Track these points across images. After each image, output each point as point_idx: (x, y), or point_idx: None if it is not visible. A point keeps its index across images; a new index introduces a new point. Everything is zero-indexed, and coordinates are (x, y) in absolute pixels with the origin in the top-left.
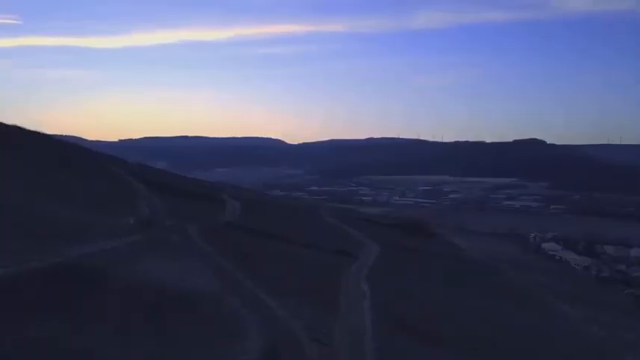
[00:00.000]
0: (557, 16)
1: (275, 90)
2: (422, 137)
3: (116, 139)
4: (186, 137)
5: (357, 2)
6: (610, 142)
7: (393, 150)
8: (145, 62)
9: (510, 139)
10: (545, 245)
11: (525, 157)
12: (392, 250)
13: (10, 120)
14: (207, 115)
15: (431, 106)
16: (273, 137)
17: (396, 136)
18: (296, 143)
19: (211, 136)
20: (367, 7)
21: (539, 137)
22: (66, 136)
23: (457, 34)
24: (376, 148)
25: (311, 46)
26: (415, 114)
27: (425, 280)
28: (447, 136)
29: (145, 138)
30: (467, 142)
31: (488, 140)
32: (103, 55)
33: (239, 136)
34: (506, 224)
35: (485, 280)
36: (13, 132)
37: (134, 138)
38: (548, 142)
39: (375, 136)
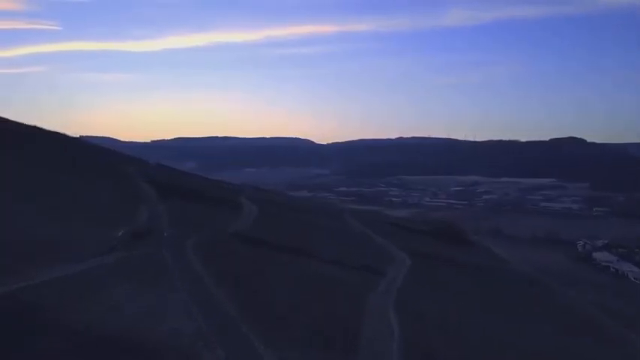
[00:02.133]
0: (593, 10)
1: (304, 90)
2: (453, 136)
3: (149, 140)
4: (215, 138)
5: (385, 1)
6: None
7: (423, 150)
8: (178, 65)
9: (547, 138)
10: (597, 255)
11: (564, 157)
12: (425, 262)
13: (49, 123)
14: (237, 115)
15: (462, 105)
16: (301, 137)
17: (427, 136)
18: (325, 143)
19: (241, 136)
20: (395, 6)
21: (578, 135)
22: (99, 137)
23: (488, 31)
24: (406, 148)
25: (340, 46)
26: (446, 113)
27: (467, 303)
28: (480, 135)
29: (177, 139)
30: (500, 141)
31: (523, 139)
32: (138, 58)
33: (268, 136)
34: (546, 228)
35: (537, 303)
36: (30, 132)
37: (166, 139)
38: (588, 141)
39: (405, 136)
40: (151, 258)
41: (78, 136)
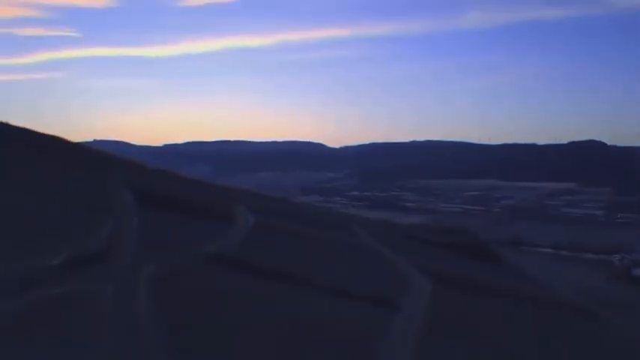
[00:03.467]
0: (614, 12)
1: (316, 93)
2: (467, 139)
3: (161, 144)
4: (228, 141)
5: (402, 4)
6: None
7: (437, 153)
8: (193, 69)
9: (565, 141)
10: (638, 272)
11: (583, 160)
12: (450, 288)
13: (63, 127)
14: (250, 119)
15: (476, 108)
16: (314, 141)
17: (441, 139)
18: (337, 146)
19: (253, 139)
20: (412, 10)
21: (597, 138)
22: (112, 141)
23: (505, 33)
24: (420, 151)
25: (355, 50)
26: (460, 115)
27: (517, 352)
28: (495, 138)
29: (189, 142)
30: (516, 144)
31: (540, 142)
32: (153, 63)
33: (280, 139)
34: (570, 236)
35: (606, 347)
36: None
37: (179, 142)
38: (608, 144)
39: (419, 139)
40: (81, 297)
41: (92, 140)
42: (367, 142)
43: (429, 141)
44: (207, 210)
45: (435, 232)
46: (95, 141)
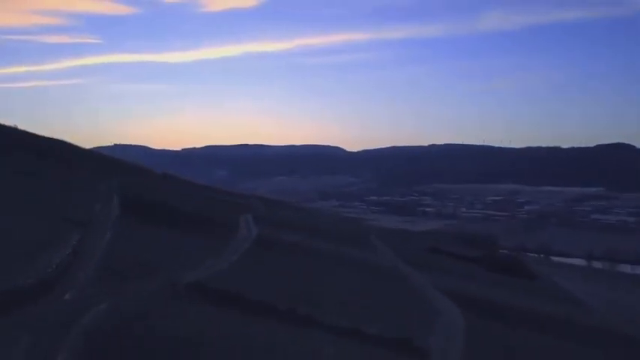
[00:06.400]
0: (638, 11)
1: (335, 98)
2: (487, 143)
3: (179, 148)
4: (246, 145)
5: (419, 8)
6: None
7: (457, 157)
8: (212, 74)
9: (592, 144)
10: None
11: (611, 164)
12: (483, 317)
13: (84, 132)
14: (268, 123)
15: (497, 110)
16: (332, 145)
17: (461, 142)
18: (355, 150)
19: (271, 144)
20: (431, 12)
21: (626, 141)
22: (132, 145)
23: (526, 34)
24: (439, 155)
25: (374, 54)
26: (480, 118)
27: None
28: (517, 141)
29: (207, 147)
30: (540, 147)
31: (564, 145)
32: (173, 69)
33: (298, 144)
34: (602, 245)
35: None
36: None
37: (197, 147)
38: (637, 147)
39: (438, 143)
40: None
41: (112, 144)
42: (386, 146)
43: (449, 145)
44: (207, 221)
45: (458, 243)
46: (115, 145)
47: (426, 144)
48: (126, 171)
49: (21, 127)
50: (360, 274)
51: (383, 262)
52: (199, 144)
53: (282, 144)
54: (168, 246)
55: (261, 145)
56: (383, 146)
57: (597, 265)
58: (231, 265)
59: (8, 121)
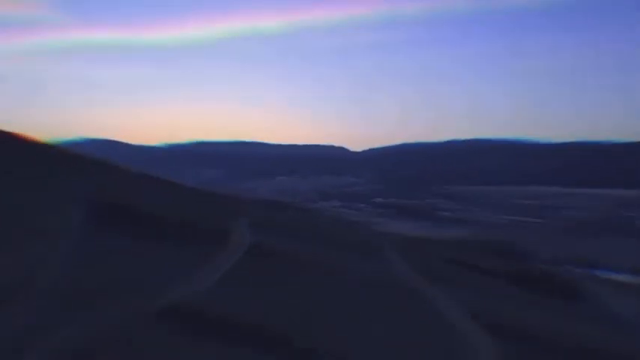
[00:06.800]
0: None
1: (338, 91)
2: (517, 136)
3: (162, 144)
4: (242, 143)
5: None
6: None
7: (479, 154)
8: (198, 58)
9: (639, 139)
10: None
11: None
12: (521, 353)
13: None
14: (268, 122)
15: (530, 99)
16: (335, 144)
17: (483, 137)
18: (360, 150)
19: (270, 142)
20: None
21: None
22: (101, 139)
23: (562, 8)
24: (458, 152)
25: (383, 34)
26: (507, 110)
27: None
28: (550, 135)
29: (197, 142)
30: (578, 143)
31: (610, 140)
32: (152, 49)
33: (300, 143)
34: None
35: None
36: None
37: (184, 142)
38: None
39: (457, 138)
40: None
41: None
42: (395, 143)
43: (469, 140)
44: (192, 229)
45: (483, 253)
46: (84, 139)
47: (442, 140)
48: (96, 170)
49: None
50: (370, 292)
51: (398, 278)
52: (185, 139)
53: (283, 142)
54: (142, 260)
55: (260, 143)
56: (391, 143)
57: None
58: (215, 283)
59: None
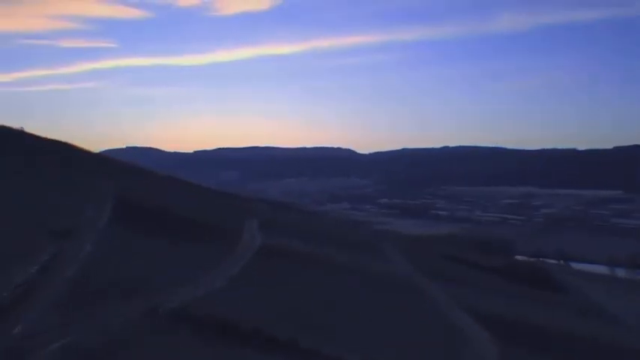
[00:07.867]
0: None
1: (346, 99)
2: (501, 145)
3: (191, 150)
4: (256, 148)
5: (431, 10)
6: None
7: (470, 159)
8: (225, 77)
9: (610, 146)
10: None
11: (629, 166)
12: (515, 345)
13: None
14: (279, 126)
15: (511, 112)
16: (343, 147)
17: (473, 144)
18: (367, 152)
19: (282, 146)
20: (443, 14)
21: None
22: (144, 147)
23: (539, 36)
24: (452, 157)
25: (384, 56)
26: (494, 120)
27: None
28: (530, 143)
29: (219, 149)
30: (555, 149)
31: (581, 147)
32: (187, 72)
33: (309, 146)
34: (625, 250)
35: None
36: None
37: (208, 149)
38: None
39: (451, 145)
40: None
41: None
42: (398, 148)
43: (461, 147)
44: (206, 228)
45: (474, 248)
46: (128, 147)
47: (438, 146)
48: (126, 173)
49: (37, 131)
50: (374, 289)
51: (398, 274)
52: (210, 146)
53: (292, 146)
54: (156, 259)
55: (271, 147)
56: (395, 148)
57: (621, 272)
58: (226, 283)
59: (23, 124)
